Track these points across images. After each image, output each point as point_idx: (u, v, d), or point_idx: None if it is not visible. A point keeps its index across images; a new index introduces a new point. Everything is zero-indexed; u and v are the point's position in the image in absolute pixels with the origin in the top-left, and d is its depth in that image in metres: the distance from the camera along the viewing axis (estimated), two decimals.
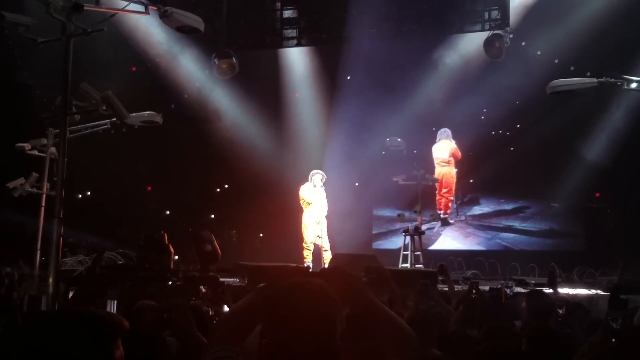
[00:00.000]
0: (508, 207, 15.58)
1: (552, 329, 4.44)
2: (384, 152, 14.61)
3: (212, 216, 16.66)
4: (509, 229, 15.27)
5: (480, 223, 15.61)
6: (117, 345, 2.03)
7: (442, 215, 14.97)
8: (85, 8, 6.93)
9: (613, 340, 3.91)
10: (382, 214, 16.08)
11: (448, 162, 14.62)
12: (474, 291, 6.16)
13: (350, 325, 2.46)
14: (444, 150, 14.58)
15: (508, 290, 9.13)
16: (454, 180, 14.82)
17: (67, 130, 6.90)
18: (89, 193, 16.28)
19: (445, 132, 14.59)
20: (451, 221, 15.33)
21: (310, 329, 1.94)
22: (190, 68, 15.69)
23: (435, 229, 15.17)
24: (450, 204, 15.10)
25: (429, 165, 14.28)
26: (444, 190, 14.77)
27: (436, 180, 14.00)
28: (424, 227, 12.83)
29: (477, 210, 15.76)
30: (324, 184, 12.57)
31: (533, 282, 10.12)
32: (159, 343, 3.24)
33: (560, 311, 5.72)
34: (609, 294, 6.53)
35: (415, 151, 14.15)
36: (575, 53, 12.98)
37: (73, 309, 2.13)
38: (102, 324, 2.01)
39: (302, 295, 1.99)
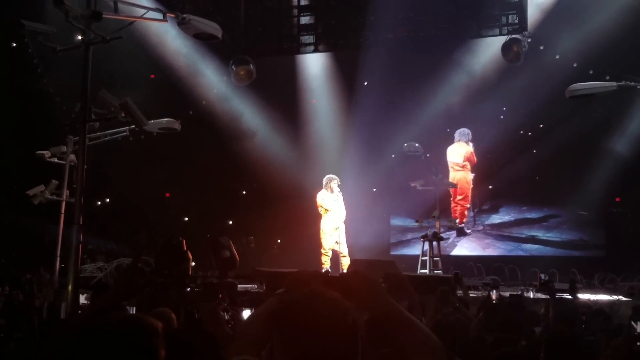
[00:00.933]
0: (532, 215, 14.89)
1: (574, 335, 4.38)
2: (393, 156, 14.50)
3: (230, 222, 16.69)
4: (532, 240, 14.61)
5: (500, 233, 14.95)
6: (162, 344, 2.02)
7: (457, 224, 14.32)
8: (104, 16, 6.99)
9: (638, 343, 3.85)
10: (397, 223, 15.76)
11: (463, 167, 14.06)
12: (493, 296, 6.10)
13: (370, 331, 2.43)
14: (459, 153, 14.03)
15: (531, 294, 9.06)
16: (470, 186, 14.23)
17: (86, 137, 6.94)
18: (107, 200, 16.40)
19: (464, 133, 14.03)
20: (468, 231, 14.72)
21: (326, 339, 1.90)
22: (208, 75, 15.76)
23: (451, 240, 14.60)
24: (466, 212, 14.42)
25: (445, 170, 13.96)
26: (459, 197, 14.14)
27: (454, 185, 13.72)
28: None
29: (496, 218, 15.15)
30: (340, 189, 12.53)
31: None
32: (192, 346, 3.26)
33: (583, 317, 5.65)
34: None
35: (428, 155, 13.60)
36: (594, 56, 12.89)
37: (115, 318, 2.09)
38: (144, 328, 1.99)
39: (318, 305, 1.96)
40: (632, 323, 4.89)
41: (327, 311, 1.93)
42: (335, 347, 1.89)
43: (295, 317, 1.94)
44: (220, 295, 4.95)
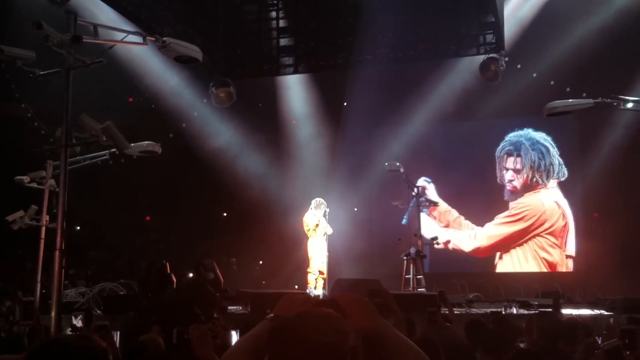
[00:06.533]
0: None
1: (561, 351, 4.41)
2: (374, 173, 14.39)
3: (211, 244, 16.61)
4: None
5: None
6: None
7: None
8: (84, 40, 6.96)
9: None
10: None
11: None
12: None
13: (366, 353, 2.43)
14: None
15: (514, 310, 9.12)
16: None
17: (67, 162, 6.87)
18: (87, 225, 16.25)
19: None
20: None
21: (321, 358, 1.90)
22: (187, 97, 15.77)
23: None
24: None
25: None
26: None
27: (435, 203, 13.84)
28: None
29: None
30: (326, 214, 12.59)
31: (536, 303, 10.06)
32: None
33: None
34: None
35: (407, 174, 12.68)
36: (570, 74, 13.15)
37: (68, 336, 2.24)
38: (94, 343, 2.08)
39: (310, 326, 1.95)
40: None
41: (321, 330, 1.92)
42: None
43: (288, 338, 1.93)
44: (216, 316, 4.98)
